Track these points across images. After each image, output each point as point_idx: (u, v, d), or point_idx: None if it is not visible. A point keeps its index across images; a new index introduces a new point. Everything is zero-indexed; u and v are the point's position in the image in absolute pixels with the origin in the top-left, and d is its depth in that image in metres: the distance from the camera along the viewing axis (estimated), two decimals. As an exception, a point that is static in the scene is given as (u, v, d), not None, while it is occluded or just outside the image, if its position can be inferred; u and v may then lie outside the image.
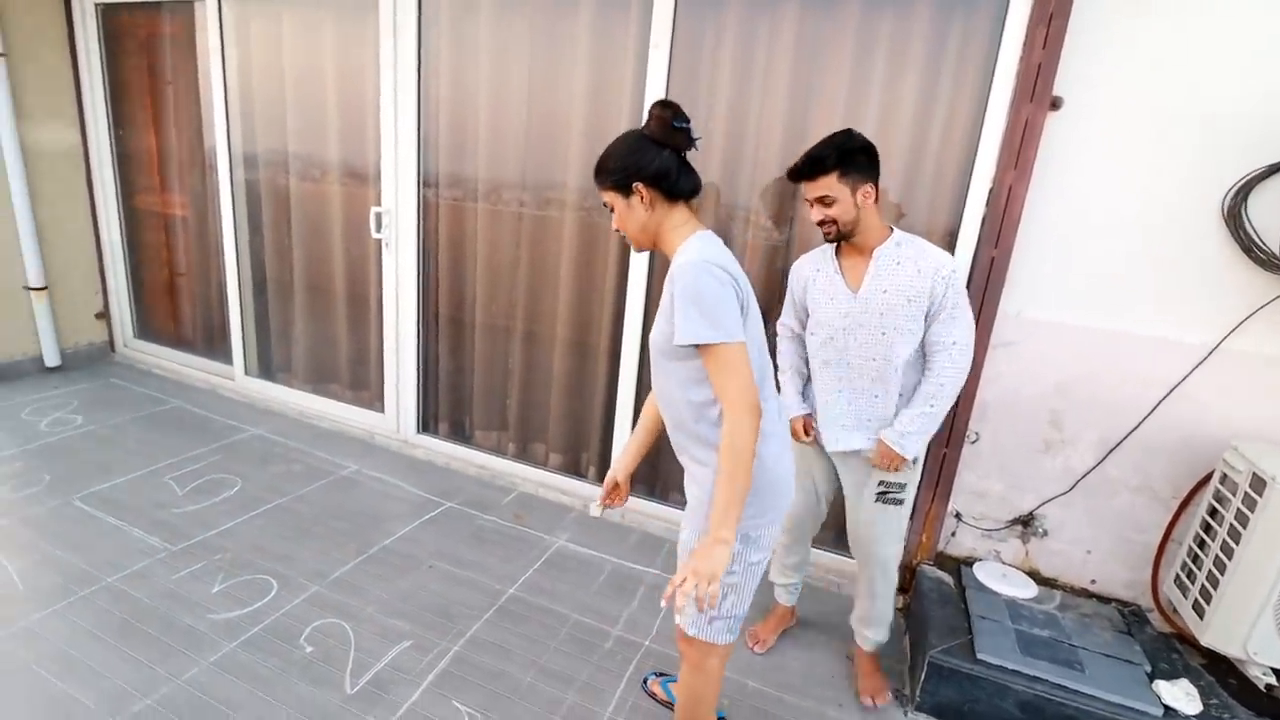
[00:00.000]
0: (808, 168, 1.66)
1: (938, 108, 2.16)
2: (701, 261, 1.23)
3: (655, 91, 2.42)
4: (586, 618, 2.22)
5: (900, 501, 1.84)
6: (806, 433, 1.94)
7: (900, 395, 1.78)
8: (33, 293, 3.72)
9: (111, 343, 4.24)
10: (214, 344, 3.96)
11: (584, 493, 2.93)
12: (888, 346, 1.72)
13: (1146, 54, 1.91)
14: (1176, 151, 1.93)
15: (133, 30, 3.74)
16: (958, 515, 2.35)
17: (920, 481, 2.03)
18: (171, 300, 4.14)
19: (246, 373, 3.77)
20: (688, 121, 1.32)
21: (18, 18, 3.47)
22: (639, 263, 2.61)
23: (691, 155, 1.38)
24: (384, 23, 2.85)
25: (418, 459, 3.25)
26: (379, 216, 3.08)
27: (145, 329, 4.22)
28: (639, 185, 1.31)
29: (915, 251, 1.69)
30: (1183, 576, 2.02)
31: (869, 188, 1.66)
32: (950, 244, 2.17)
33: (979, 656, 1.87)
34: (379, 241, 3.14)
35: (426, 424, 3.33)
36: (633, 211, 1.34)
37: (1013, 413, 2.22)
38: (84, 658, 1.86)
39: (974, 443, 2.26)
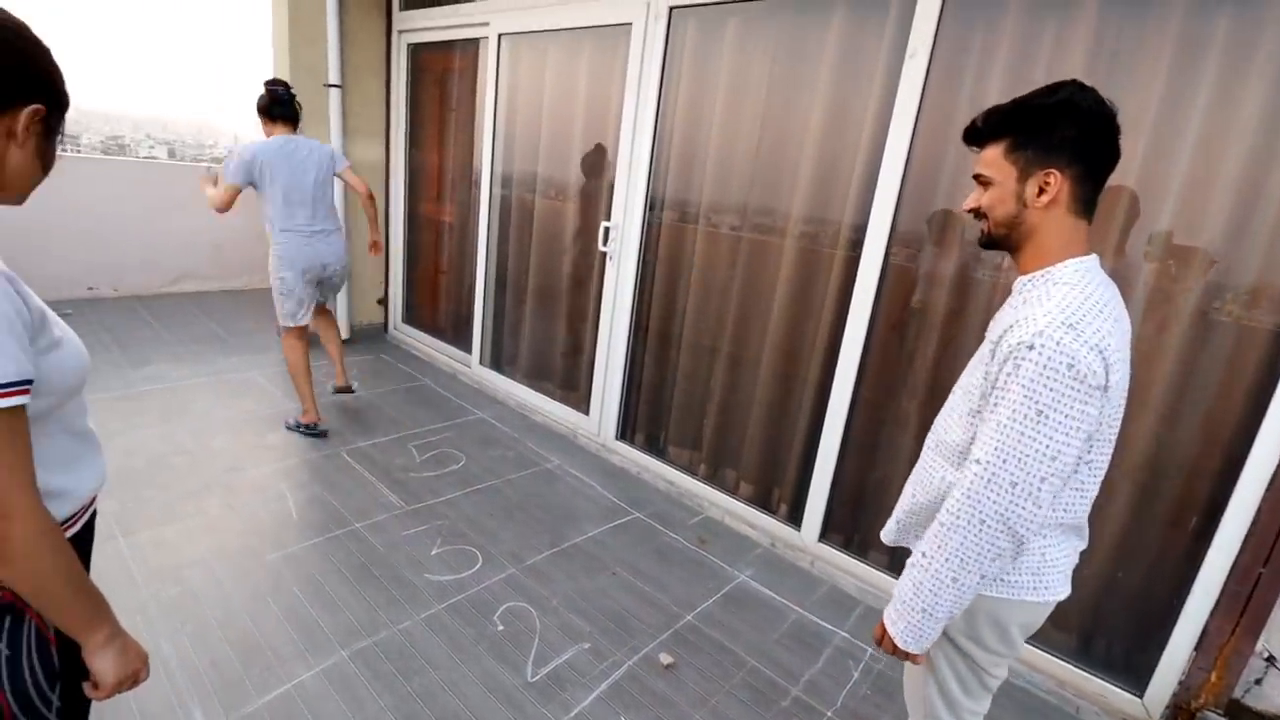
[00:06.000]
0: (970, 127, 1.15)
1: (1295, 129, 1.68)
2: None
3: (906, 107, 2.22)
4: (765, 667, 2.08)
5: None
6: None
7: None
8: (337, 278, 4.59)
9: (385, 324, 5.06)
10: (459, 334, 4.52)
11: (772, 529, 2.78)
12: (951, 418, 1.22)
13: None
14: None
15: (431, 65, 4.44)
16: (1270, 659, 1.79)
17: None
18: (433, 293, 4.83)
19: (480, 362, 4.24)
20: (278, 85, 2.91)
21: (353, 55, 4.32)
22: (863, 296, 2.41)
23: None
24: (634, 50, 3.01)
25: (613, 464, 3.37)
26: (607, 231, 3.26)
27: (410, 315, 4.97)
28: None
29: (1039, 296, 1.06)
30: None
31: (1052, 176, 1.05)
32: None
33: None
34: (604, 255, 3.32)
35: (625, 431, 3.44)
36: None
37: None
38: (330, 589, 2.19)
39: (1306, 567, 1.71)
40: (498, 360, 4.21)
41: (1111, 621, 2.11)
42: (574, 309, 3.67)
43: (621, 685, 1.93)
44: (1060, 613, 2.09)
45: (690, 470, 3.15)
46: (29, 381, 0.78)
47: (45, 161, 0.88)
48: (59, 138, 0.89)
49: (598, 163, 3.39)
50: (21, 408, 0.77)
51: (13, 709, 0.88)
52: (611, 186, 3.24)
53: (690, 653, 2.09)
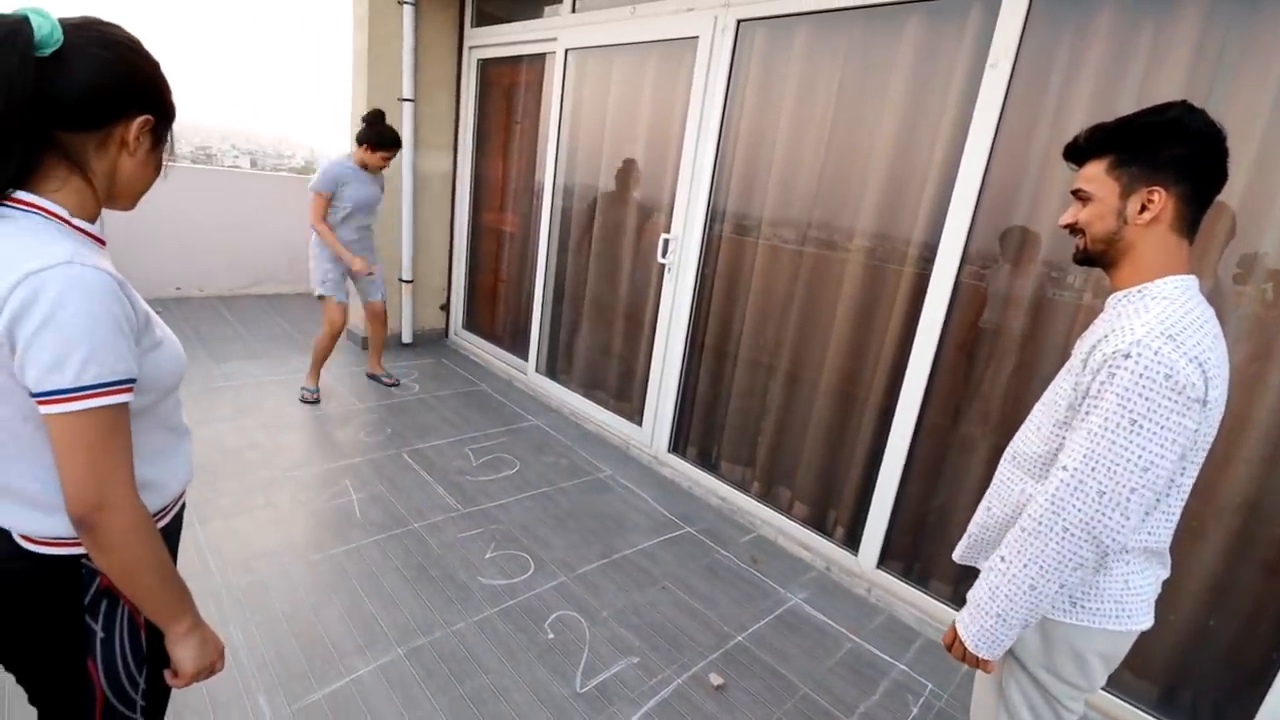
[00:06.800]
0: (1072, 144, 1.15)
1: None
2: None
3: (985, 119, 2.14)
4: (818, 695, 2.01)
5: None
6: None
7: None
8: (403, 284, 4.74)
9: (446, 330, 5.20)
10: (516, 341, 4.61)
11: (827, 552, 2.71)
12: (1030, 430, 1.20)
13: None
14: None
15: (499, 79, 4.57)
16: (1389, 727, 1.62)
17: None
18: (492, 301, 4.94)
19: (536, 369, 4.30)
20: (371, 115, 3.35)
21: (426, 71, 4.49)
22: (933, 315, 2.33)
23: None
24: (699, 63, 3.02)
25: (665, 477, 3.35)
26: (666, 243, 3.26)
27: (470, 322, 5.10)
28: None
29: (1135, 309, 1.04)
30: None
31: (1156, 194, 1.04)
32: None
33: None
34: (662, 267, 3.32)
35: (677, 444, 3.42)
36: None
37: None
38: (389, 587, 2.25)
39: None
40: (553, 368, 4.26)
41: (1200, 672, 1.95)
42: (630, 320, 3.68)
43: (670, 704, 1.90)
44: (1142, 658, 1.95)
45: (743, 487, 3.10)
46: (133, 380, 0.83)
47: (154, 169, 0.94)
48: (166, 147, 0.95)
49: (658, 175, 3.40)
50: (124, 405, 0.82)
51: (103, 686, 0.94)
52: (672, 199, 3.25)
53: (741, 675, 2.05)
